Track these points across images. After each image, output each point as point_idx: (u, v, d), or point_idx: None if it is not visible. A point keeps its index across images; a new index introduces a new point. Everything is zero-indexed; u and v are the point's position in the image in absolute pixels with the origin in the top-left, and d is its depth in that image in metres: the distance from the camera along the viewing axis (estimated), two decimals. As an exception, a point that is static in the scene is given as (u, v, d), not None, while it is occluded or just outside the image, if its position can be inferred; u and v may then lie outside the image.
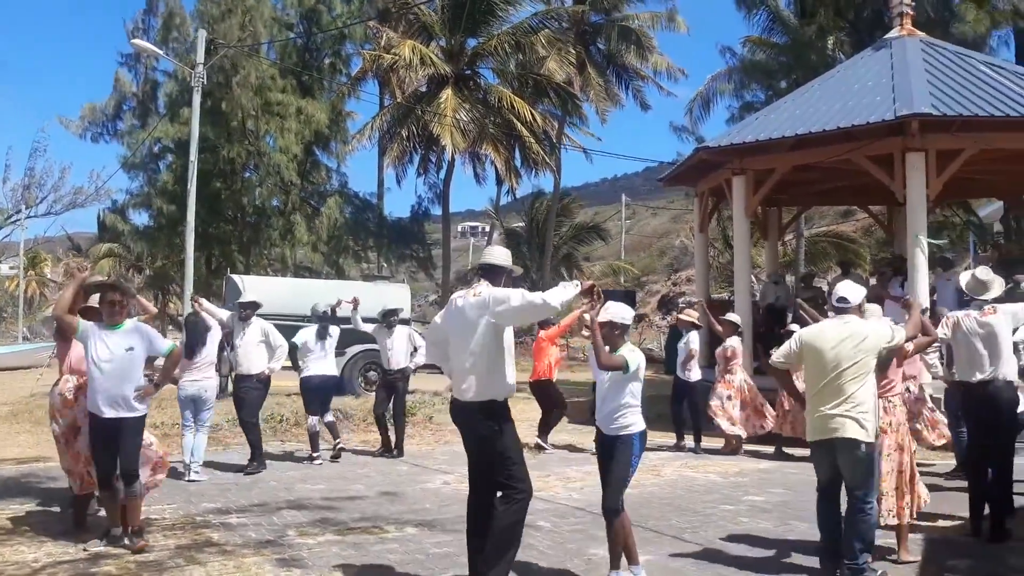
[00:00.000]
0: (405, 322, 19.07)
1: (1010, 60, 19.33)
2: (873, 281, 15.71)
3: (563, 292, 4.98)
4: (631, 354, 5.41)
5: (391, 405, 11.29)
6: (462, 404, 5.12)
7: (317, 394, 10.59)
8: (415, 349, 11.46)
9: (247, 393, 9.84)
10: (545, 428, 11.71)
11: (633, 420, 5.39)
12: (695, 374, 11.74)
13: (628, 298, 17.81)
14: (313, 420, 10.58)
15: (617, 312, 5.51)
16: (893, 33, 15.08)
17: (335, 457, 10.55)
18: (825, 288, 17.64)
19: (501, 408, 5.08)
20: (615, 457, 5.40)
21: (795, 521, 7.22)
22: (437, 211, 35.43)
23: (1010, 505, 6.80)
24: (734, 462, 10.80)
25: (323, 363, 10.56)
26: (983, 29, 19.51)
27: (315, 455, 10.44)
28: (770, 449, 11.52)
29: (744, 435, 11.43)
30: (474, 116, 28.89)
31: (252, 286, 18.19)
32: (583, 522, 7.27)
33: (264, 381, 9.98)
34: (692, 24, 33.75)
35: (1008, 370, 6.75)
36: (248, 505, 7.91)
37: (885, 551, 6.02)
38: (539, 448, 11.40)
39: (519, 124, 29.20)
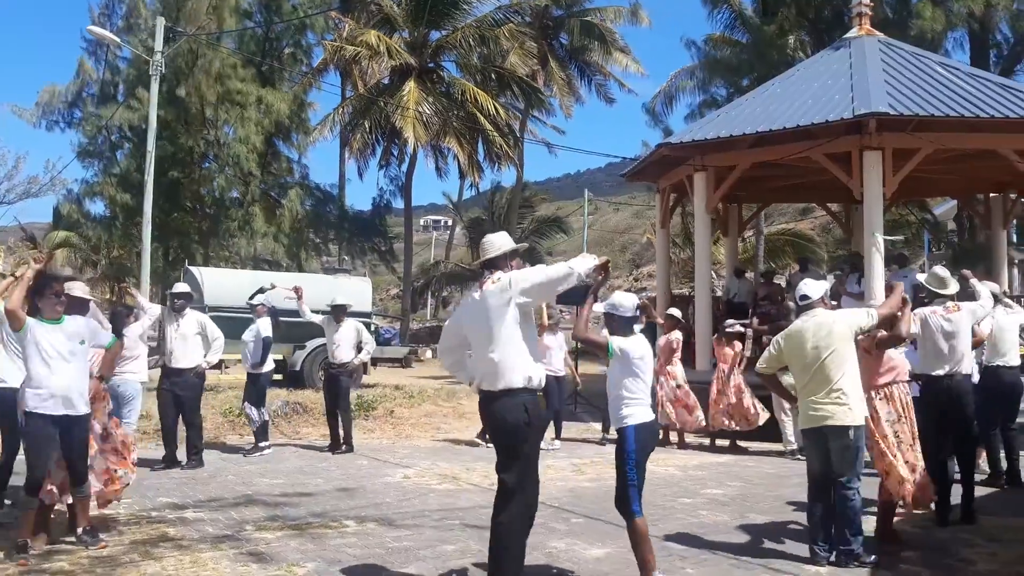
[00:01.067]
0: (366, 315, 19.06)
1: (965, 61, 19.70)
2: (831, 278, 15.94)
3: (584, 260, 4.84)
4: (625, 342, 5.24)
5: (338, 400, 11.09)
6: (491, 394, 4.88)
7: (249, 386, 10.60)
8: (361, 344, 11.29)
9: (184, 391, 9.53)
10: None
11: (629, 412, 5.19)
12: (559, 368, 11.77)
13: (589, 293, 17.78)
14: (251, 412, 10.49)
15: (620, 302, 5.37)
16: (852, 33, 15.29)
17: (249, 452, 10.42)
18: (784, 284, 17.88)
19: (532, 397, 4.90)
20: (616, 451, 5.27)
21: (753, 514, 7.31)
22: (399, 204, 35.28)
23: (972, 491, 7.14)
24: (692, 455, 10.91)
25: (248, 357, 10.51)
26: (939, 28, 19.84)
27: (260, 446, 10.42)
28: (725, 443, 11.68)
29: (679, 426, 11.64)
30: (437, 109, 28.79)
31: (211, 278, 18.00)
32: (543, 515, 7.24)
33: (200, 375, 9.76)
34: (656, 19, 33.90)
35: (967, 364, 7.09)
36: (205, 500, 7.82)
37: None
38: (475, 443, 11.35)
39: (482, 118, 29.15)
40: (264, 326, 10.70)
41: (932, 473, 6.59)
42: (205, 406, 10.84)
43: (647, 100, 28.52)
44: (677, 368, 11.75)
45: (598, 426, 13.27)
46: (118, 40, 23.84)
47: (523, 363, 4.83)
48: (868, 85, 12.66)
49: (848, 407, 5.70)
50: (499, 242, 5.15)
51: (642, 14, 31.80)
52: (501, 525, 4.84)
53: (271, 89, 30.96)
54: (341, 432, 10.97)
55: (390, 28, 30.37)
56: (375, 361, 19.49)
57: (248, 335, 10.79)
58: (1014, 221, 19.68)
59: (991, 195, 17.11)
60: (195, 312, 9.85)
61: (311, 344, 17.47)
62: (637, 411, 5.19)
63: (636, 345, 5.26)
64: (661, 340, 11.91)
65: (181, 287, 10.02)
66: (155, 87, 18.90)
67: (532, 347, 4.91)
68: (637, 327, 5.55)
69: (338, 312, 11.20)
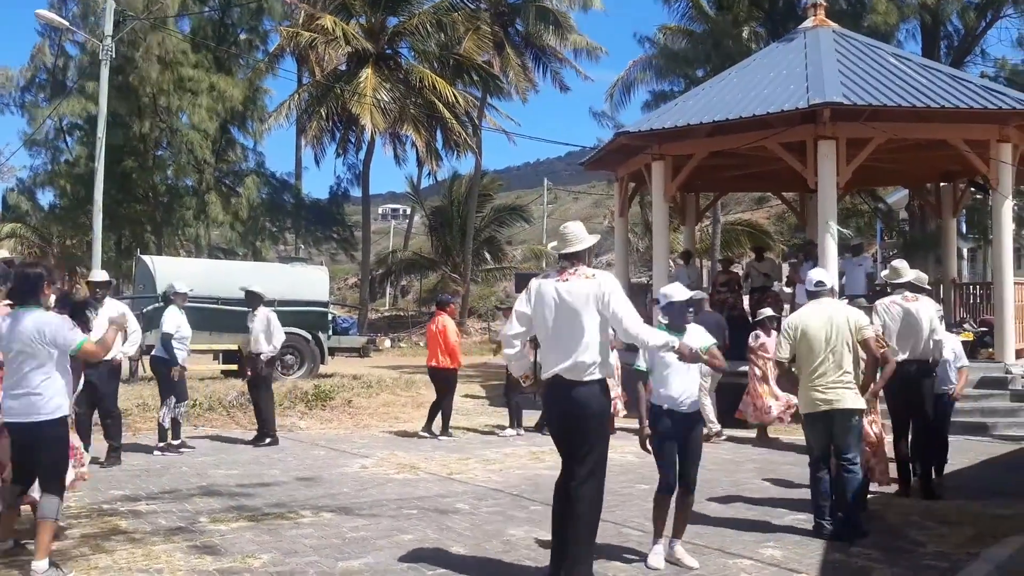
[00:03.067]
0: (323, 305, 18.90)
1: (916, 52, 20.00)
2: (786, 266, 16.13)
3: (657, 338, 5.01)
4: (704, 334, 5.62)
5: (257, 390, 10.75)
6: (574, 383, 4.91)
7: (157, 381, 10.16)
8: (273, 333, 10.56)
9: (102, 384, 8.85)
10: (433, 415, 11.39)
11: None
12: None
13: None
14: (164, 409, 9.97)
15: (672, 292, 5.63)
16: (807, 23, 15.45)
17: (163, 450, 9.83)
18: (740, 272, 18.05)
19: (607, 388, 5.06)
20: (698, 435, 5.64)
21: (709, 499, 7.38)
22: (357, 192, 35.03)
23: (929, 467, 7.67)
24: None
25: (157, 348, 10.04)
26: (893, 20, 20.11)
27: (159, 445, 9.86)
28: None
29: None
30: (395, 96, 28.61)
31: (164, 268, 17.69)
32: (501, 504, 7.29)
33: (116, 368, 9.24)
34: (613, 8, 33.97)
35: (925, 351, 7.50)
36: (158, 492, 7.70)
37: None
38: (431, 436, 11.18)
39: (440, 105, 29.03)
40: (171, 318, 10.02)
41: (897, 454, 7.20)
42: (156, 397, 10.65)
43: (606, 87, 28.51)
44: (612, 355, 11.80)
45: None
46: (67, 24, 23.30)
47: (605, 355, 5.00)
48: (822, 75, 12.81)
49: (855, 392, 6.10)
50: (582, 234, 5.14)
51: (596, 1, 31.76)
52: (585, 502, 4.92)
53: (225, 76, 30.49)
54: (270, 424, 10.62)
55: (347, 14, 30.08)
56: (333, 351, 19.35)
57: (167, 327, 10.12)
58: (963, 210, 20.10)
59: (941, 184, 17.45)
60: (115, 302, 9.47)
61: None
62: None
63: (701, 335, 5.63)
64: None
65: (100, 275, 9.38)
66: (105, 72, 18.49)
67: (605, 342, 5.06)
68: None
69: (251, 300, 10.74)
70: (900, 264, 7.95)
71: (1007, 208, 13.11)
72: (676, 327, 5.53)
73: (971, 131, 12.87)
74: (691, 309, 5.78)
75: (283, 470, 8.86)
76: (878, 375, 6.53)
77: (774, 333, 11.28)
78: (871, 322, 7.20)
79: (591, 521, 4.95)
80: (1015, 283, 13.24)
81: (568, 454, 5.04)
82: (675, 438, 5.59)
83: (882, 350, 6.68)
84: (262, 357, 10.55)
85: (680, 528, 5.67)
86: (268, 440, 10.51)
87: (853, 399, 6.10)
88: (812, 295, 6.46)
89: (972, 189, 16.52)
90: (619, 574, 5.39)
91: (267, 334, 10.48)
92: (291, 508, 7.03)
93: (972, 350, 12.53)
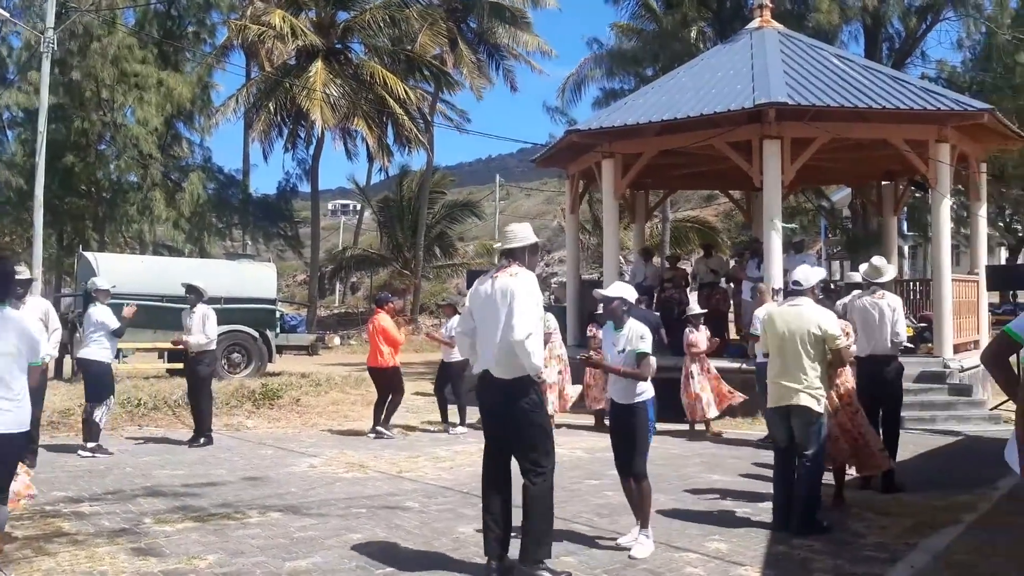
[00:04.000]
0: (271, 302, 18.68)
1: (859, 54, 20.42)
2: (732, 263, 16.36)
3: (531, 358, 4.95)
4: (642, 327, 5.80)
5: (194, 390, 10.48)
6: (504, 381, 5.03)
7: (86, 380, 9.78)
8: (207, 330, 10.31)
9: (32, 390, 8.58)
10: (378, 414, 11.27)
11: (644, 388, 5.78)
12: (456, 355, 11.54)
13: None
14: (89, 407, 9.65)
15: (624, 292, 5.88)
16: (753, 24, 15.67)
17: (95, 451, 9.45)
18: (689, 269, 18.26)
19: (536, 384, 5.10)
20: (630, 424, 5.79)
21: (656, 493, 7.44)
22: (306, 188, 34.65)
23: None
24: (601, 438, 11.04)
25: (86, 347, 9.68)
26: (835, 21, 20.51)
27: (88, 445, 9.49)
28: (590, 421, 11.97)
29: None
30: (345, 91, 28.37)
31: (107, 264, 17.34)
32: (451, 501, 7.29)
33: (44, 371, 8.56)
34: (566, 6, 34.07)
35: (890, 346, 7.86)
36: (102, 493, 7.56)
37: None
38: (378, 435, 11.03)
39: (391, 100, 28.86)
40: (100, 314, 9.71)
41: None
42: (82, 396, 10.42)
43: (558, 85, 28.60)
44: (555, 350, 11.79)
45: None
46: (8, 15, 22.68)
47: (533, 351, 5.00)
48: (768, 76, 13.00)
49: (813, 395, 6.18)
50: (522, 234, 5.25)
51: (550, -1, 31.91)
52: (533, 496, 5.01)
53: (172, 72, 29.92)
54: (207, 423, 10.40)
55: (296, 8, 29.74)
56: (280, 349, 19.14)
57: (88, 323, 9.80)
58: (904, 208, 20.58)
59: (883, 183, 17.84)
60: (38, 299, 9.21)
61: (215, 332, 17.02)
62: (649, 387, 5.77)
63: (644, 327, 5.83)
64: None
65: (22, 271, 9.13)
66: (46, 66, 18.07)
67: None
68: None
69: (189, 295, 10.49)
70: (880, 263, 8.16)
71: (945, 207, 13.45)
72: (616, 324, 5.87)
73: (911, 131, 13.17)
74: (625, 308, 5.84)
75: (230, 470, 8.75)
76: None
77: (703, 329, 11.51)
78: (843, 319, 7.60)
79: (545, 509, 5.06)
80: (953, 280, 13.60)
81: (496, 448, 5.18)
82: (615, 427, 5.93)
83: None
84: (193, 346, 10.23)
85: (636, 515, 5.86)
86: (203, 440, 10.24)
87: (808, 399, 6.16)
88: (789, 293, 6.67)
89: (912, 188, 16.93)
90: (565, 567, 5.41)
91: (201, 330, 10.23)
92: (238, 508, 6.95)
93: (913, 344, 12.85)
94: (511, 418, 5.06)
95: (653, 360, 5.78)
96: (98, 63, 27.45)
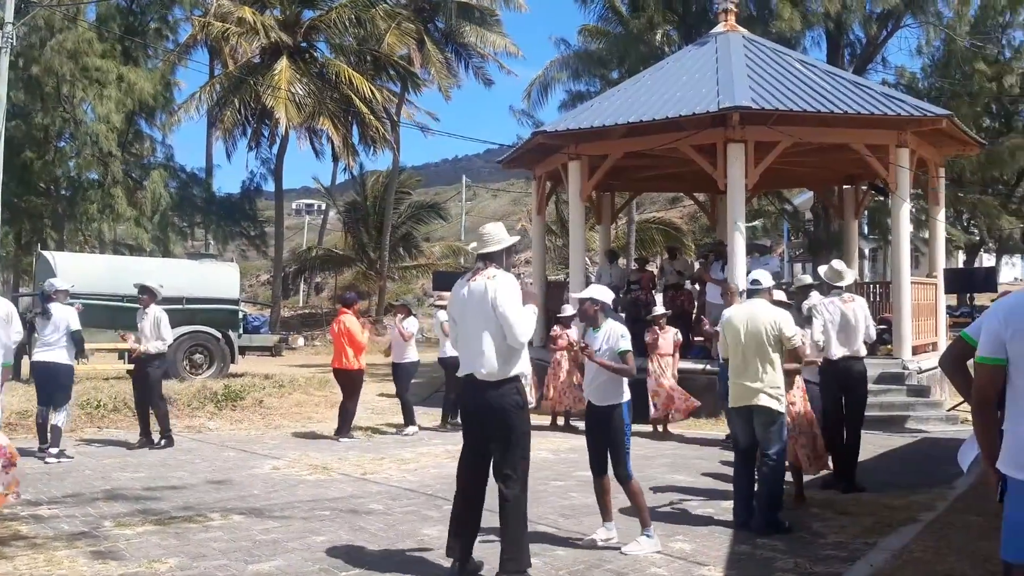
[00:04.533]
0: (234, 302, 18.48)
1: (821, 59, 20.70)
2: (696, 264, 16.49)
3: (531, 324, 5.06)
4: (621, 327, 5.88)
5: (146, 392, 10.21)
6: (489, 383, 5.02)
7: (40, 384, 9.49)
8: (162, 332, 10.13)
9: None
10: (343, 417, 11.12)
11: (623, 390, 5.85)
12: (409, 355, 11.69)
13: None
14: (41, 411, 9.41)
15: (596, 293, 5.98)
16: (718, 29, 15.80)
17: (55, 458, 9.15)
18: (655, 270, 18.38)
19: (521, 383, 5.13)
20: (607, 426, 5.84)
21: (620, 494, 7.48)
22: (271, 187, 34.37)
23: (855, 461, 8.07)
24: (565, 439, 11.09)
25: (47, 350, 9.37)
26: (798, 27, 20.77)
27: (42, 447, 9.31)
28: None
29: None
30: (310, 90, 28.18)
31: (66, 264, 17.06)
32: (416, 503, 7.27)
33: None
34: (533, 6, 34.14)
35: (859, 348, 8.05)
36: (61, 496, 7.43)
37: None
38: (342, 438, 10.88)
39: (357, 100, 28.71)
40: (61, 315, 9.43)
41: (831, 445, 7.57)
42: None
43: (525, 85, 28.68)
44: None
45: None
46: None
47: (515, 354, 5.07)
48: (732, 80, 13.12)
49: (773, 395, 6.29)
50: (498, 235, 5.23)
51: (520, 1, 31.94)
52: (510, 503, 4.99)
53: (133, 67, 29.51)
54: (158, 425, 10.21)
55: (261, 5, 29.47)
56: (243, 350, 18.95)
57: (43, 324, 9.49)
58: (864, 212, 20.88)
59: (844, 187, 18.09)
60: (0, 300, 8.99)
61: (175, 333, 16.74)
62: (626, 390, 5.84)
63: (622, 326, 5.91)
64: None
65: None
66: (5, 61, 17.70)
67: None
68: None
69: (143, 295, 10.24)
70: (840, 266, 8.37)
71: (905, 210, 13.67)
72: (591, 324, 6.00)
73: (872, 136, 13.37)
74: (597, 307, 5.91)
75: (191, 472, 8.64)
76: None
77: (669, 329, 11.61)
78: (814, 319, 7.88)
79: (521, 514, 5.05)
80: (912, 282, 13.82)
81: (475, 451, 5.17)
82: (591, 429, 5.99)
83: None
84: (150, 351, 10.03)
85: (604, 514, 5.98)
86: (164, 443, 10.03)
87: (768, 400, 6.27)
88: (748, 294, 6.77)
89: (873, 192, 17.17)
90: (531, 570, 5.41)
91: (155, 333, 10.03)
92: (199, 511, 6.86)
93: (871, 346, 13.05)
94: (495, 420, 5.04)
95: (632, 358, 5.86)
96: (55, 59, 27.00)
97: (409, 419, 11.57)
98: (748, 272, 12.83)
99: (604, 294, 6.00)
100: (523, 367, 5.13)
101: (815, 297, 8.53)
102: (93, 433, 11.21)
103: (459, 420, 11.72)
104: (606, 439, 5.83)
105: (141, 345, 10.10)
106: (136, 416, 10.53)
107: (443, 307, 12.50)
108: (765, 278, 6.70)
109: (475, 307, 5.06)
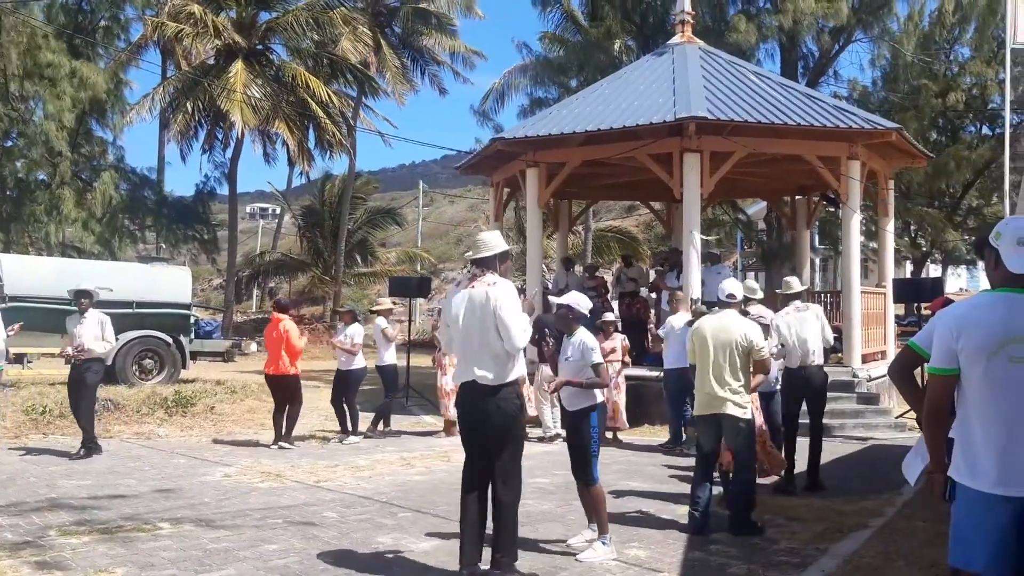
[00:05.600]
0: (186, 307, 18.18)
1: (775, 71, 21.03)
2: (653, 273, 16.63)
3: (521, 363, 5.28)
4: (589, 336, 6.00)
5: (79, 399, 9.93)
6: (487, 388, 5.13)
7: None
8: (105, 337, 9.89)
9: None
10: (279, 426, 10.82)
11: (593, 395, 5.95)
12: (357, 363, 11.52)
13: (423, 285, 17.76)
14: None
15: (578, 301, 6.07)
16: (675, 40, 15.96)
17: None
18: (609, 279, 18.48)
19: (519, 391, 5.27)
20: (578, 430, 5.95)
21: (576, 502, 7.48)
22: (224, 191, 33.89)
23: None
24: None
25: None
26: (752, 40, 21.09)
27: None
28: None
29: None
30: (266, 93, 27.89)
31: (11, 266, 16.65)
32: (370, 511, 7.20)
33: None
34: (491, 13, 34.22)
35: (818, 357, 8.35)
36: (3, 504, 7.24)
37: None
38: (281, 447, 10.60)
39: (313, 104, 28.48)
40: None
41: (788, 450, 7.99)
42: (5, 403, 10.00)
43: (482, 93, 28.64)
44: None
45: (430, 419, 13.25)
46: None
47: (512, 359, 5.19)
48: (689, 90, 13.26)
49: (739, 403, 6.44)
50: (493, 242, 5.37)
51: (476, 9, 32.02)
52: (506, 505, 5.17)
53: (86, 63, 28.90)
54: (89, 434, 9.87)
55: (216, 6, 29.08)
56: (195, 355, 18.65)
57: None
58: (816, 222, 21.24)
59: (797, 198, 18.38)
60: None
61: (124, 337, 16.48)
62: (597, 394, 5.94)
63: (594, 338, 6.04)
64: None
65: None
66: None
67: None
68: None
69: (80, 299, 9.95)
70: (792, 279, 8.96)
71: (855, 221, 13.92)
72: (567, 331, 6.09)
73: (824, 148, 13.60)
74: (571, 316, 6.03)
75: (140, 480, 8.47)
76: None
77: (617, 336, 11.67)
78: (772, 332, 8.10)
79: (515, 517, 5.24)
80: (862, 292, 14.07)
81: (478, 456, 5.27)
82: (568, 434, 6.13)
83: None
84: (95, 351, 9.74)
85: (589, 517, 6.08)
86: (84, 451, 9.68)
87: (735, 408, 6.42)
88: (721, 305, 6.88)
89: (824, 203, 17.47)
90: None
91: (99, 337, 9.74)
92: (148, 520, 6.73)
93: (823, 355, 13.26)
94: (494, 425, 5.15)
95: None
96: (5, 54, 26.37)
97: (354, 428, 11.40)
98: (702, 281, 13.03)
99: (583, 304, 6.11)
100: (520, 372, 5.26)
101: (759, 309, 8.75)
102: (38, 440, 10.93)
103: (390, 427, 11.75)
104: (576, 443, 5.94)
105: (75, 348, 9.67)
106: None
107: (381, 313, 12.43)
108: (739, 290, 6.85)
109: (475, 313, 5.16)
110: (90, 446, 9.80)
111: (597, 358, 5.92)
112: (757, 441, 7.37)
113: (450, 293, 5.42)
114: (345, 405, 11.45)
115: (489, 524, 5.27)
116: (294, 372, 10.91)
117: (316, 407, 13.44)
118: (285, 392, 10.92)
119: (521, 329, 5.14)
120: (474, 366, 5.17)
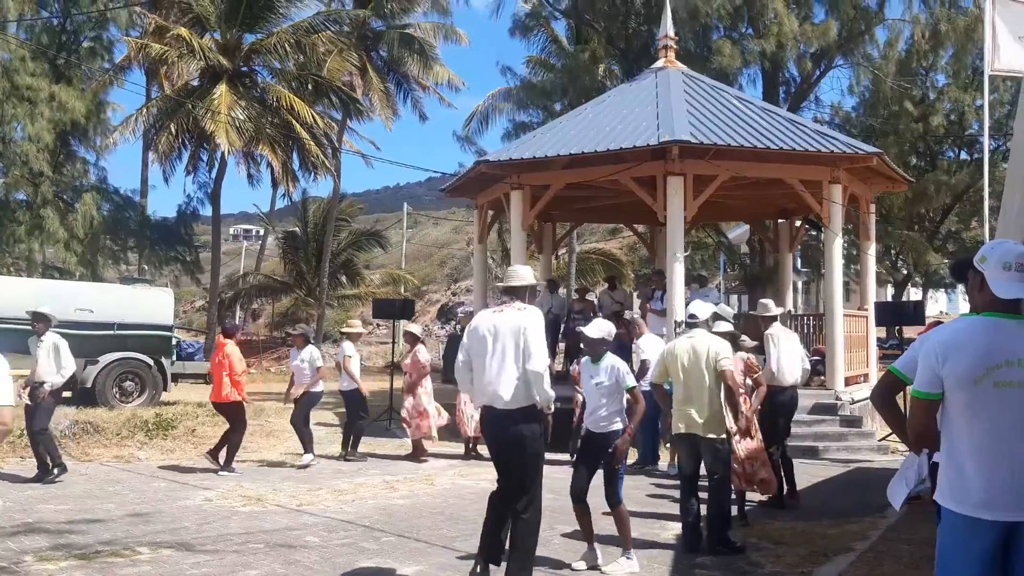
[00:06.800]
0: (168, 329, 18.05)
1: (758, 96, 21.23)
2: (636, 296, 16.66)
3: (544, 391, 5.36)
4: (619, 360, 6.20)
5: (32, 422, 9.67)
6: (511, 411, 5.32)
7: None
8: (62, 361, 9.67)
9: None
10: (227, 449, 10.60)
11: (620, 419, 6.10)
12: (345, 384, 11.75)
13: (407, 308, 17.72)
14: None
15: (603, 328, 6.26)
16: (658, 64, 16.11)
17: None
18: (595, 300, 18.49)
19: (539, 414, 5.41)
20: (606, 453, 6.08)
21: (560, 525, 7.45)
22: (208, 212, 33.74)
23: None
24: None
25: None
26: (736, 64, 21.29)
27: None
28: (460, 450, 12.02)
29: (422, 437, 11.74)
30: (250, 114, 27.83)
31: (-10, 287, 16.47)
32: (352, 536, 7.13)
33: None
34: (475, 38, 34.44)
35: (799, 374, 8.68)
36: (-24, 530, 7.10)
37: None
38: (220, 474, 10.33)
39: (298, 126, 28.45)
40: None
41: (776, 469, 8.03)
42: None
43: (465, 115, 28.79)
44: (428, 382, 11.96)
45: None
46: None
47: (536, 382, 5.32)
48: (672, 114, 13.37)
49: (710, 419, 6.54)
50: (525, 275, 5.74)
51: (461, 33, 32.21)
52: (527, 523, 5.35)
53: (66, 86, 28.78)
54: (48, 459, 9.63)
55: (201, 28, 29.09)
56: (176, 377, 18.48)
57: None
58: (799, 246, 21.37)
59: (779, 221, 18.50)
60: None
61: (104, 359, 16.33)
62: (624, 416, 6.10)
63: (624, 363, 6.22)
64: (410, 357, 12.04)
65: None
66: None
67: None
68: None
69: (37, 322, 9.78)
70: (768, 302, 9.24)
71: (837, 245, 14.03)
72: (594, 358, 6.22)
73: (806, 172, 13.73)
74: (604, 347, 6.22)
75: (119, 504, 8.36)
76: (754, 398, 7.60)
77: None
78: (769, 348, 8.43)
79: (534, 540, 5.41)
80: (844, 315, 14.15)
81: (505, 475, 5.49)
82: (588, 453, 6.19)
83: (755, 375, 7.67)
84: (45, 387, 9.52)
85: (590, 539, 6.21)
86: (56, 472, 9.51)
87: (711, 427, 6.52)
88: (687, 325, 7.00)
89: (807, 226, 17.59)
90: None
91: (55, 362, 9.55)
92: (127, 545, 6.63)
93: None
94: (515, 446, 5.32)
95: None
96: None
97: (308, 448, 11.25)
98: (688, 303, 13.07)
99: (612, 331, 6.29)
100: (552, 395, 5.40)
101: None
102: (15, 464, 10.78)
103: (358, 452, 11.69)
104: (602, 465, 6.07)
105: (35, 374, 9.51)
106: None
107: (349, 336, 12.39)
108: (702, 311, 6.93)
109: (504, 338, 5.37)
110: (57, 465, 9.57)
111: (631, 381, 6.11)
112: (758, 461, 7.50)
113: (478, 319, 5.63)
114: (292, 425, 11.44)
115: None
116: (236, 398, 10.61)
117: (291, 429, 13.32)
118: (227, 417, 10.78)
119: (543, 353, 5.35)
120: (495, 390, 5.34)
